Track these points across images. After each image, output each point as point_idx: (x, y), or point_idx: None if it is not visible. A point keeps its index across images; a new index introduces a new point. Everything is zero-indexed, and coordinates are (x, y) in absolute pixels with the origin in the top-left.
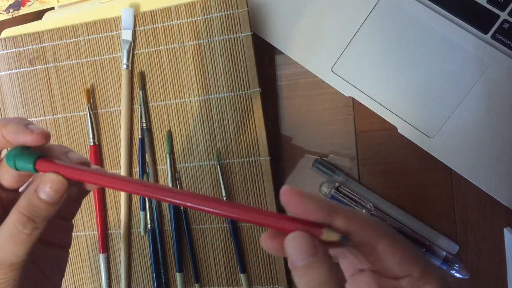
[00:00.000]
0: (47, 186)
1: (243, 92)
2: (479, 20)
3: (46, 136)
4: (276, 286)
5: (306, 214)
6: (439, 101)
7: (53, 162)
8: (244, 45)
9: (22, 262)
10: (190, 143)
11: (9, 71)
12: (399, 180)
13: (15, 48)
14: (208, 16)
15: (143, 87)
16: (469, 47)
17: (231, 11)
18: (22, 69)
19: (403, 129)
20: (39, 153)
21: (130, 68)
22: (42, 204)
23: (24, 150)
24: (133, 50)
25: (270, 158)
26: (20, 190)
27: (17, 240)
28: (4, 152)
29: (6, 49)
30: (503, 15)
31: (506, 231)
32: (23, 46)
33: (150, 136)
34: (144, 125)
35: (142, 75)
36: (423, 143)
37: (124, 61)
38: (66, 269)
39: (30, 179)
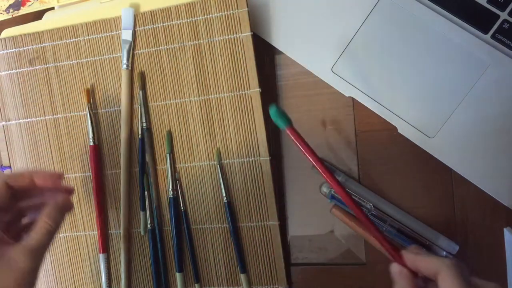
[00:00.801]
0: None
1: (243, 92)
2: (479, 20)
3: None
4: (276, 286)
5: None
6: (439, 101)
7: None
8: (244, 45)
9: None
10: (190, 143)
11: (9, 71)
12: (399, 180)
13: (15, 48)
14: (208, 16)
15: (143, 87)
16: (469, 47)
17: (231, 11)
18: (22, 69)
19: (403, 129)
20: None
21: (130, 68)
22: None
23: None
24: (133, 50)
25: (270, 158)
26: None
27: None
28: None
29: (6, 49)
30: (503, 15)
31: (506, 231)
32: (23, 46)
33: (150, 136)
34: (144, 125)
35: (142, 75)
36: (423, 143)
37: (124, 61)
38: (66, 268)
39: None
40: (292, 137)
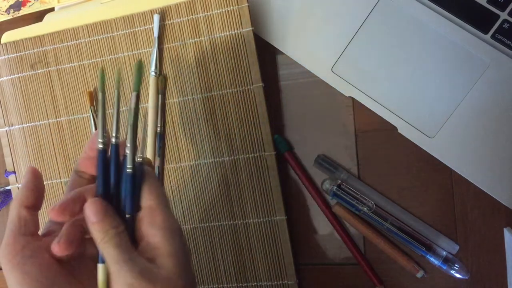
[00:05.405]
0: None
1: (246, 88)
2: (479, 20)
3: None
4: (286, 281)
5: None
6: (439, 101)
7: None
8: (246, 40)
9: None
10: (195, 141)
11: (11, 76)
12: (399, 180)
13: (16, 52)
14: (208, 13)
15: (163, 91)
16: (469, 47)
17: (231, 7)
18: (24, 74)
19: (403, 129)
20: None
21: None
22: None
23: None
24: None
25: (275, 153)
26: None
27: None
28: None
29: (7, 54)
30: (503, 15)
31: (506, 231)
32: (24, 51)
33: (163, 140)
34: (159, 130)
35: (164, 78)
36: (423, 143)
37: (153, 68)
38: None
39: None
40: (289, 161)
